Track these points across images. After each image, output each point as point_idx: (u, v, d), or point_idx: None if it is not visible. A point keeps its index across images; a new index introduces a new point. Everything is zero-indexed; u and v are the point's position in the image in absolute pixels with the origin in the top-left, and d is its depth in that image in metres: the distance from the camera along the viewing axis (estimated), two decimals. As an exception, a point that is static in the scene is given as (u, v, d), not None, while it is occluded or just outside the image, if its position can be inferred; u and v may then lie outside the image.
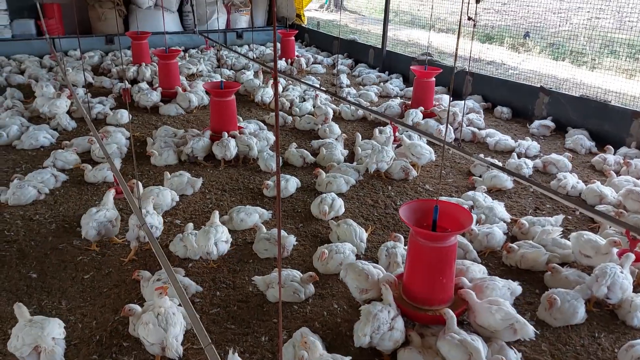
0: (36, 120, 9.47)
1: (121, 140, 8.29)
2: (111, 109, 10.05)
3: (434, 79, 9.88)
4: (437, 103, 10.14)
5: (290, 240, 5.53)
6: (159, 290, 4.11)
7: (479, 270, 4.72)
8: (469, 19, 3.97)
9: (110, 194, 5.76)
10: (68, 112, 9.53)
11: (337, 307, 4.75)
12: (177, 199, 6.52)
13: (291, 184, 6.94)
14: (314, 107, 10.65)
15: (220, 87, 8.23)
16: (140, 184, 6.04)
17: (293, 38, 14.60)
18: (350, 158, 8.19)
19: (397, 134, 8.27)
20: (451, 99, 9.81)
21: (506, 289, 4.41)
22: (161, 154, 7.80)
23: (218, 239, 5.28)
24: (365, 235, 5.73)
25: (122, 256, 5.44)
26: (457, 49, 3.79)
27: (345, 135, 8.76)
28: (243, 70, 13.06)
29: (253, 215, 6.06)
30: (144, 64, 12.32)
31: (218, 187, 7.17)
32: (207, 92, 11.11)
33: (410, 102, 10.18)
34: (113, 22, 15.81)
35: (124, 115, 9.59)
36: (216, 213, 5.65)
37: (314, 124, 9.57)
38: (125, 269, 5.23)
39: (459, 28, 3.85)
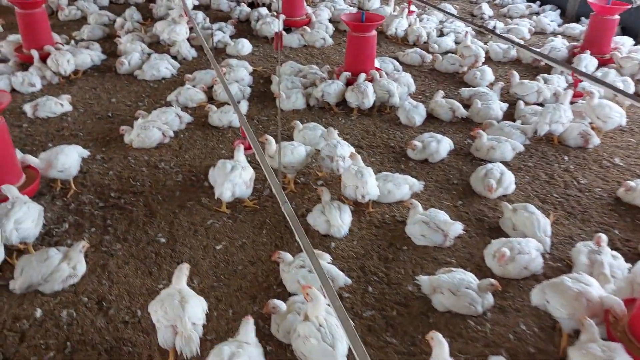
0: (155, 46, 8.89)
1: (245, 77, 7.46)
2: (231, 37, 9.22)
3: (617, 16, 7.89)
4: (616, 47, 8.19)
5: (456, 228, 4.47)
6: (307, 290, 3.29)
7: None
8: None
9: (241, 149, 4.97)
10: (188, 39, 8.83)
11: (524, 328, 3.72)
12: (311, 152, 5.50)
13: (443, 145, 5.76)
14: (456, 43, 9.13)
15: (361, 19, 7.00)
16: (272, 140, 5.20)
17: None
18: (509, 114, 6.78)
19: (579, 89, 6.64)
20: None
21: None
22: (289, 96, 6.87)
23: (372, 181, 4.76)
24: (549, 226, 4.53)
25: (255, 225, 4.72)
26: None
27: (502, 83, 7.27)
28: (369, -5, 11.54)
29: (402, 187, 5.04)
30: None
31: (352, 141, 6.15)
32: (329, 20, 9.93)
33: (580, 44, 8.31)
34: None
35: (245, 45, 8.71)
36: (358, 156, 5.03)
37: (459, 65, 8.13)
38: (260, 242, 4.51)
39: None
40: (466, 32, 8.94)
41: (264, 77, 7.88)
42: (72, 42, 8.56)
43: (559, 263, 4.32)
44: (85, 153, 5.22)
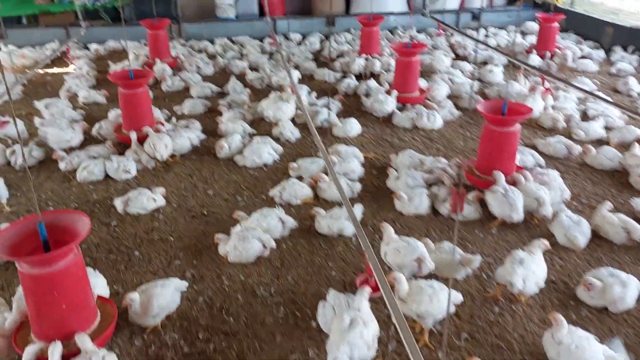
0: (257, 123, 8.18)
1: (356, 169, 6.43)
2: (337, 115, 8.33)
3: None
4: None
5: None
6: None
7: None
8: None
9: (365, 295, 3.79)
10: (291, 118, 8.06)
11: None
12: (457, 300, 4.14)
13: (631, 291, 4.22)
14: (606, 129, 7.60)
15: (502, 112, 5.75)
16: (403, 279, 3.99)
17: (557, 24, 11.20)
18: None
19: None
20: None
21: None
22: (411, 198, 5.70)
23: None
24: None
25: (382, 405, 3.48)
26: None
27: (689, 193, 5.63)
28: (491, 68, 10.29)
29: (593, 347, 3.55)
30: (369, 56, 10.43)
31: (497, 267, 4.81)
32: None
33: None
34: (335, 1, 14.29)
35: (355, 126, 7.74)
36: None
37: (618, 162, 6.57)
38: None
39: None
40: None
41: (377, 167, 6.81)
42: (173, 118, 8.07)
43: None
44: (183, 286, 4.25)
